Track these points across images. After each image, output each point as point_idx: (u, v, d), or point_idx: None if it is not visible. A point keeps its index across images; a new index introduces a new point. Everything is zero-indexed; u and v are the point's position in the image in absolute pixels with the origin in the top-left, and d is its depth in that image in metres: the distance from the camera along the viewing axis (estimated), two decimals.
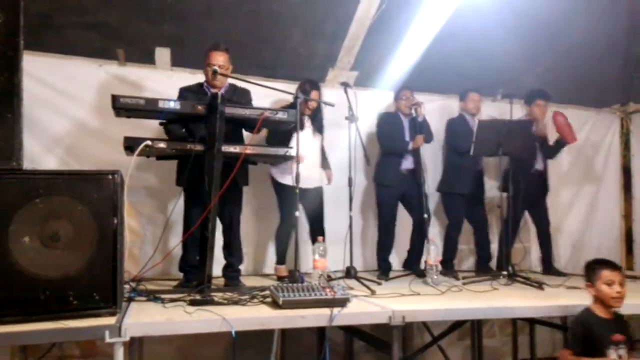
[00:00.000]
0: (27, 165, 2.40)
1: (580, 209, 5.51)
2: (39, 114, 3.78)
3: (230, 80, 3.53)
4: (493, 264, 4.67)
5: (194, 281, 3.26)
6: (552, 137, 4.77)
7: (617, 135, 5.77)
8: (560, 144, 4.68)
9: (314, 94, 3.99)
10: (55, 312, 2.22)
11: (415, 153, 4.29)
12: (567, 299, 3.15)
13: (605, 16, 4.44)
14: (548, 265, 4.72)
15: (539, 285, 3.55)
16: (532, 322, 4.35)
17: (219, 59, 3.38)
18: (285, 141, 3.77)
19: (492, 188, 4.83)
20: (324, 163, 4.29)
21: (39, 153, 3.80)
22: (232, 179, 3.06)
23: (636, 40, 4.73)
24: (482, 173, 4.70)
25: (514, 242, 4.44)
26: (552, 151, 4.77)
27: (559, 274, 4.49)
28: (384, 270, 4.20)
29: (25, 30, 2.37)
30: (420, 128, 4.22)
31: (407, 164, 4.33)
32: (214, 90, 3.43)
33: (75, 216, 2.31)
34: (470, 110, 4.58)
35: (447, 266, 4.31)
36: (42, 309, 2.21)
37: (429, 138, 4.34)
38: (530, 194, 4.46)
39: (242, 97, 3.55)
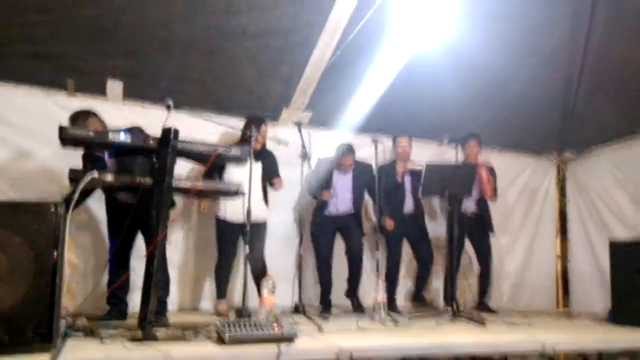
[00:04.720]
0: None
1: (520, 250, 5.75)
2: None
3: None
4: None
5: (117, 314, 3.38)
6: None
7: (554, 181, 6.10)
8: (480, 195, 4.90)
9: (263, 129, 4.05)
10: None
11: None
12: (508, 335, 3.25)
13: (544, 70, 4.79)
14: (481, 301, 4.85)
15: (481, 322, 3.64)
16: (473, 359, 4.41)
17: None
18: (220, 174, 3.84)
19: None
20: (273, 181, 4.25)
21: None
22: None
23: (570, 94, 5.09)
24: (417, 214, 4.79)
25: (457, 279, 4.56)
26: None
27: (489, 310, 4.63)
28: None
29: None
30: None
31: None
32: None
33: (10, 248, 2.21)
34: (399, 155, 4.72)
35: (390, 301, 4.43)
36: None
37: None
38: (469, 233, 4.68)
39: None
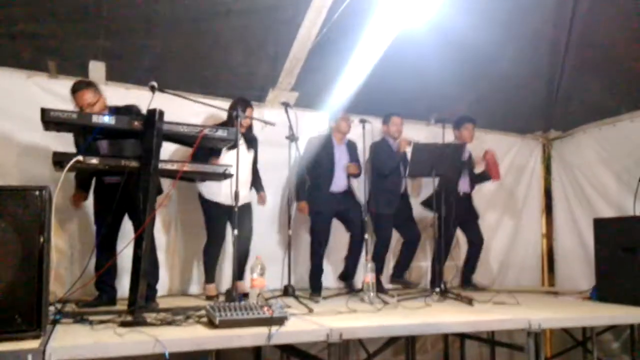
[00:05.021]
0: None
1: (506, 229, 5.82)
2: None
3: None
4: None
5: (106, 300, 3.39)
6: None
7: (540, 160, 6.15)
8: (485, 177, 4.95)
9: (248, 112, 3.99)
10: None
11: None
12: (495, 314, 3.31)
13: (529, 49, 4.78)
14: (467, 280, 4.95)
15: (469, 302, 3.70)
16: (462, 337, 4.50)
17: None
18: (211, 158, 3.75)
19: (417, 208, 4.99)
20: (257, 184, 4.27)
21: None
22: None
23: (556, 71, 5.11)
24: (406, 193, 4.85)
25: (446, 260, 4.61)
26: (475, 180, 5.03)
27: (477, 288, 4.72)
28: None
29: None
30: None
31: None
32: None
33: None
34: (393, 133, 4.73)
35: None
36: None
37: None
38: (459, 214, 4.66)
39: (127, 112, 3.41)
